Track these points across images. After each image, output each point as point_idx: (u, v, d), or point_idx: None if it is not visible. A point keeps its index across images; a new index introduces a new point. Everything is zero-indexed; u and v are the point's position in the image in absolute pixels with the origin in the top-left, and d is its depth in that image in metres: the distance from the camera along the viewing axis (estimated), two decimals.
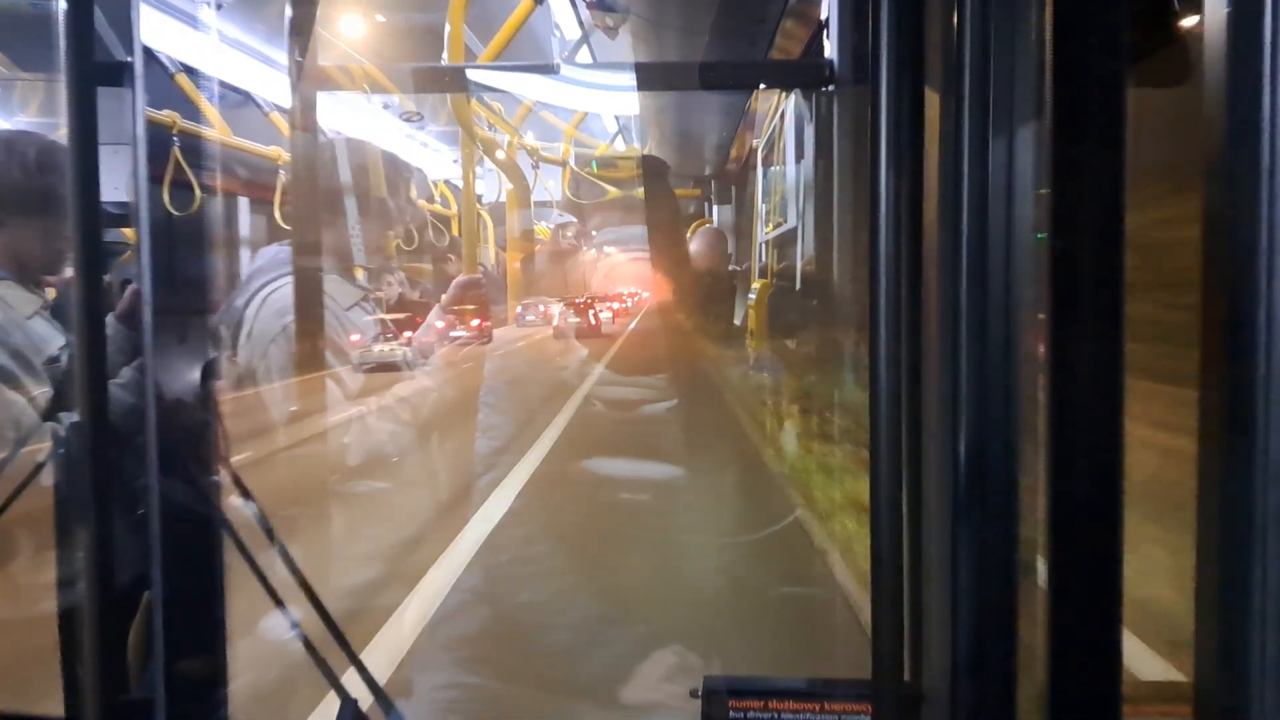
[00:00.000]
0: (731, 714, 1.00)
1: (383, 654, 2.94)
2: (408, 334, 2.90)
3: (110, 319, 1.29)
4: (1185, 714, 0.62)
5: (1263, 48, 0.54)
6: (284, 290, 2.24)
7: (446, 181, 9.81)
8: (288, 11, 1.78)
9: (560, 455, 5.71)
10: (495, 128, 8.73)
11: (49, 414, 1.76)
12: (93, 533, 1.00)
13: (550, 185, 10.48)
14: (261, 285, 2.27)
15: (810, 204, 4.94)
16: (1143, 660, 2.10)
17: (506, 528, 4.39)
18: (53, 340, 1.92)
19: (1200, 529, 0.59)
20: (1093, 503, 0.82)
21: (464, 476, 5.08)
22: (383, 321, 2.53)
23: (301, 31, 1.80)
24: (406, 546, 3.96)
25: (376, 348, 2.55)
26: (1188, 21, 1.10)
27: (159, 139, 1.13)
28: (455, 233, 7.84)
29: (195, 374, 1.18)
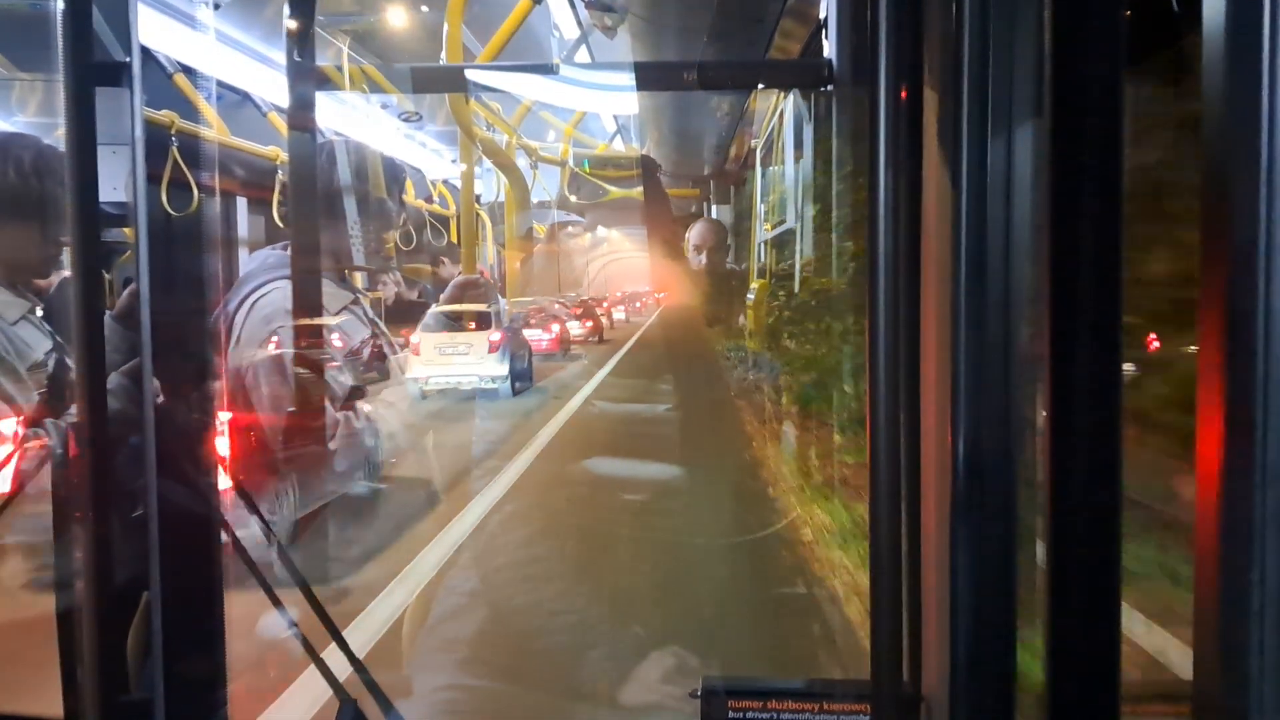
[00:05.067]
0: (731, 714, 1.00)
1: None
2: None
3: (108, 319, 1.28)
4: (1184, 714, 0.62)
5: (1263, 48, 0.53)
6: (272, 295, 2.17)
7: (445, 181, 9.81)
8: (286, 11, 1.78)
9: None
10: (494, 127, 8.73)
11: (35, 420, 1.75)
12: (91, 533, 1.00)
13: (548, 185, 10.48)
14: (251, 290, 2.19)
15: (809, 204, 4.95)
16: None
17: None
18: (39, 345, 1.88)
19: (1200, 529, 0.59)
20: (1092, 503, 0.82)
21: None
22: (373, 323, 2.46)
23: (300, 31, 1.79)
24: None
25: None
26: (1187, 22, 1.10)
27: (157, 139, 1.13)
28: (454, 236, 7.81)
29: (193, 374, 1.18)
